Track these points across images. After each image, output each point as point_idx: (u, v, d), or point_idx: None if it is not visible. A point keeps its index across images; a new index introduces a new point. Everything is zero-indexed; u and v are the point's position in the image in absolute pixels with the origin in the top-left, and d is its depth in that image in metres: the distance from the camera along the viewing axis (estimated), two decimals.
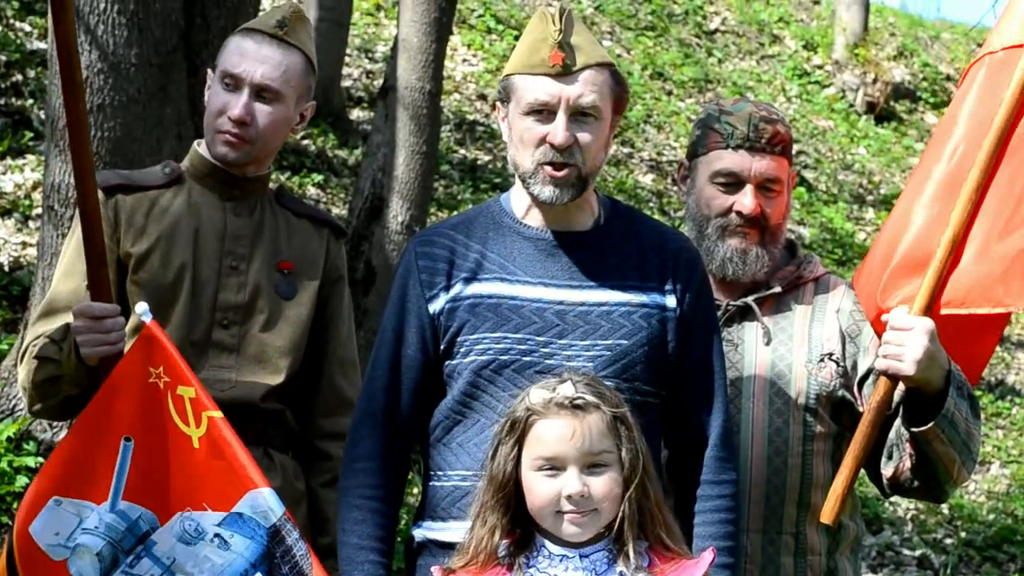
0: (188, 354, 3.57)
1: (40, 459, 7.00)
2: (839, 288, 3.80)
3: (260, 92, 3.74)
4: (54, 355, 3.63)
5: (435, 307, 3.39)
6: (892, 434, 3.65)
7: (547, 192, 3.36)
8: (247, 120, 3.73)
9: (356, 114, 12.87)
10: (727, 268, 3.72)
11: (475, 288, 3.38)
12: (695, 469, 3.41)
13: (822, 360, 3.70)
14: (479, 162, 12.96)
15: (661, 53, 16.20)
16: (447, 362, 3.38)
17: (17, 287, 8.71)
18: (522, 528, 3.14)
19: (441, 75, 9.10)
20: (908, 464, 3.62)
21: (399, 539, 3.59)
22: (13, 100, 10.36)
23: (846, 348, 3.72)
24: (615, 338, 3.35)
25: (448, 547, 3.28)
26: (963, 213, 3.64)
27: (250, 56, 3.74)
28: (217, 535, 3.28)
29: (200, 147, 3.88)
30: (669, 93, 15.59)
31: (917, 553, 10.15)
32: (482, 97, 13.80)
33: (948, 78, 18.14)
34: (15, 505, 6.97)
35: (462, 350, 3.36)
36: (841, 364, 3.71)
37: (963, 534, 10.56)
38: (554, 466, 3.09)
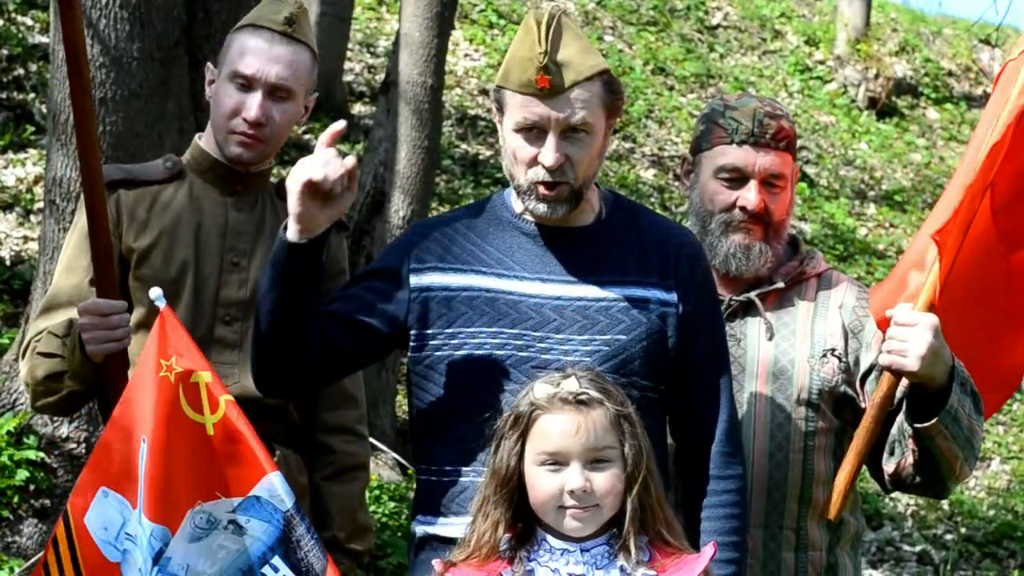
0: None
1: (41, 453, 7.00)
2: (842, 284, 3.80)
3: (273, 91, 3.73)
4: (58, 351, 3.62)
5: (419, 280, 3.38)
6: (894, 430, 3.65)
7: (541, 209, 3.35)
8: (263, 121, 3.72)
9: (358, 109, 12.87)
10: (730, 264, 3.72)
11: (472, 280, 3.37)
12: (701, 464, 3.40)
13: (824, 356, 3.70)
14: (480, 157, 12.96)
15: (663, 48, 16.20)
16: (436, 353, 3.36)
17: (19, 281, 8.72)
18: (523, 522, 3.14)
19: (443, 70, 9.10)
20: (911, 460, 3.62)
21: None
22: (15, 94, 10.36)
23: (848, 344, 3.72)
24: (613, 333, 3.35)
25: (449, 542, 3.27)
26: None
27: (263, 56, 3.72)
28: (232, 521, 3.27)
29: (201, 141, 3.87)
30: (671, 88, 15.58)
31: (917, 549, 10.16)
32: (484, 92, 13.80)
33: (950, 74, 18.13)
34: (16, 499, 6.98)
35: (453, 342, 3.35)
36: (843, 360, 3.71)
37: (963, 530, 10.57)
38: (557, 461, 3.09)
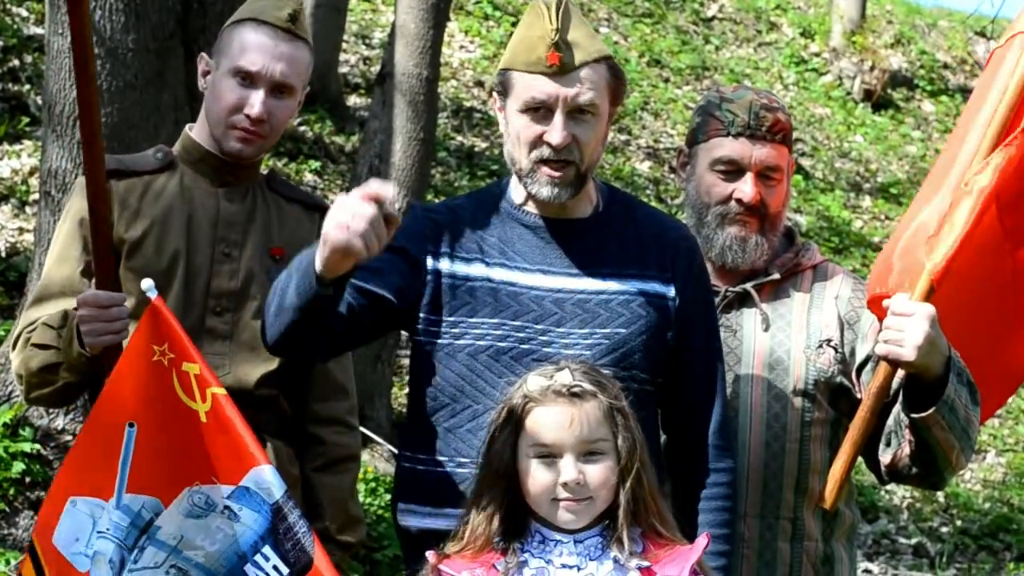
0: None
1: (37, 445, 7.00)
2: (837, 275, 3.81)
3: (275, 88, 3.73)
4: (53, 342, 3.61)
5: (434, 264, 3.37)
6: (891, 420, 3.65)
7: (545, 191, 3.35)
8: (265, 118, 3.72)
9: (353, 100, 12.85)
10: (726, 256, 3.72)
11: (474, 270, 3.37)
12: (693, 457, 3.41)
13: (820, 346, 3.70)
14: (476, 149, 12.95)
15: (658, 40, 16.19)
16: (438, 340, 3.36)
17: (14, 273, 8.70)
18: (517, 514, 3.14)
19: (438, 61, 9.09)
20: (907, 450, 3.62)
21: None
22: (10, 85, 10.34)
23: (844, 335, 3.72)
24: (613, 326, 3.35)
25: (443, 534, 3.26)
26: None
27: (267, 53, 3.71)
28: (227, 507, 3.28)
29: (192, 132, 3.86)
30: (666, 80, 15.58)
31: (913, 541, 10.16)
32: (479, 84, 13.79)
33: (945, 66, 18.14)
34: (11, 491, 6.97)
35: (455, 331, 3.35)
36: (839, 350, 3.71)
37: (959, 522, 10.58)
38: (551, 453, 3.09)
